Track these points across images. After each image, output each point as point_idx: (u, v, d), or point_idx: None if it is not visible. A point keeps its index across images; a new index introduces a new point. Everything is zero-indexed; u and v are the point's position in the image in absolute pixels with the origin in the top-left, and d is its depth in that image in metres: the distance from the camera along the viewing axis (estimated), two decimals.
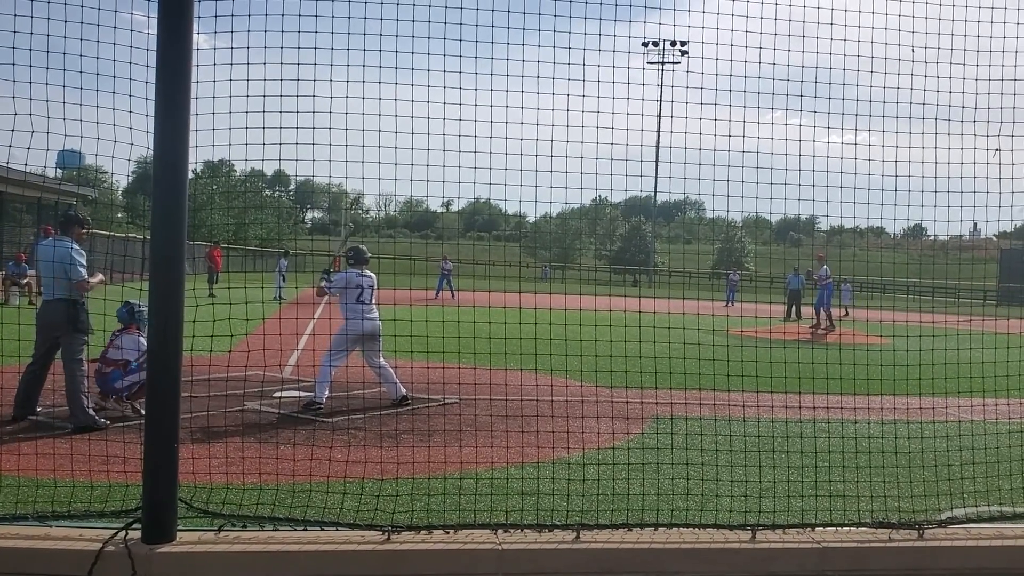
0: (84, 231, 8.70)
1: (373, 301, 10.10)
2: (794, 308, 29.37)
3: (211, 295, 6.03)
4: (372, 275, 10.20)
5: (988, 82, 5.23)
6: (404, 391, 9.89)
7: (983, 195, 5.55)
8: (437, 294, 32.47)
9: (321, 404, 9.42)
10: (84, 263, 8.38)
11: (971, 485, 5.90)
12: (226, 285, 5.19)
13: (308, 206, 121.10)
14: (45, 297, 8.55)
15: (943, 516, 5.22)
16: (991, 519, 5.15)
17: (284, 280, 29.74)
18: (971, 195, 5.54)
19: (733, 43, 5.04)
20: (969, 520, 5.06)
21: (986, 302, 43.49)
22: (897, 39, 5.18)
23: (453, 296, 31.74)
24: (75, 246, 8.40)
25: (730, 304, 35.04)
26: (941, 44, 5.20)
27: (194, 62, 4.15)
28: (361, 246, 10.50)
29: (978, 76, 5.23)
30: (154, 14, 4.08)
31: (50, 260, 8.26)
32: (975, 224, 6.52)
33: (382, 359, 10.04)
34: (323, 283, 10.08)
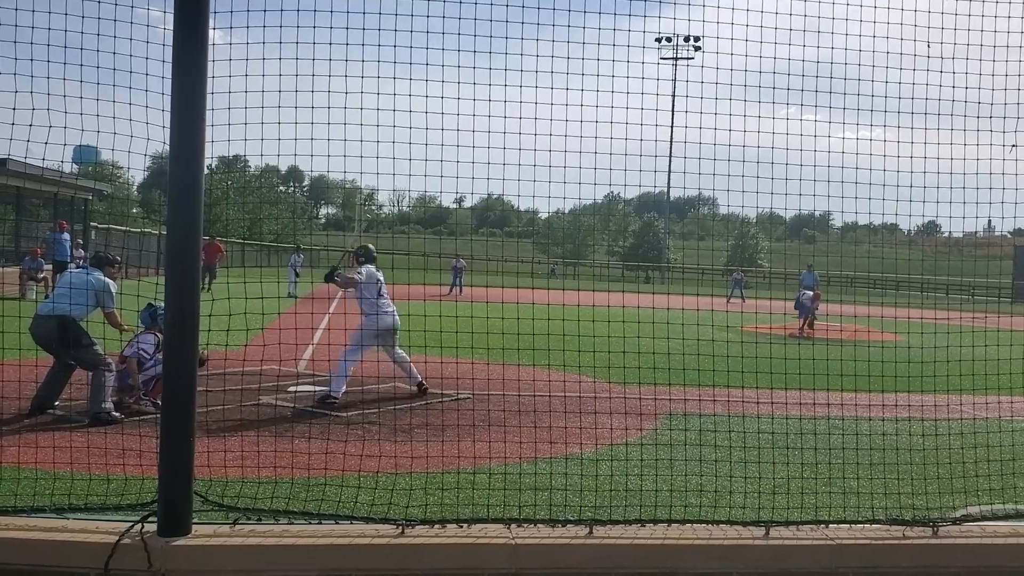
0: (115, 270, 9.32)
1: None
2: None
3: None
4: (379, 273, 10.41)
5: (1005, 78, 5.18)
6: (420, 378, 10.12)
7: (998, 192, 5.50)
8: (451, 290, 32.67)
9: (337, 398, 9.48)
10: (115, 295, 8.94)
11: (986, 483, 5.88)
12: (241, 279, 5.20)
13: (322, 202, 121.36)
14: (40, 312, 8.57)
15: (958, 514, 5.19)
16: (1006, 517, 5.12)
17: (297, 276, 29.77)
18: (986, 192, 5.49)
19: (748, 38, 5.03)
20: (984, 518, 5.03)
21: (1001, 299, 43.22)
22: (913, 34, 5.15)
23: (461, 292, 32.00)
24: (111, 281, 8.92)
25: (741, 300, 35.09)
26: (957, 40, 5.16)
27: (209, 57, 4.17)
28: (369, 245, 10.72)
29: (994, 72, 5.19)
30: (170, 9, 4.09)
31: (74, 287, 8.59)
32: (990, 221, 6.48)
33: (399, 350, 10.28)
34: (338, 278, 10.21)
